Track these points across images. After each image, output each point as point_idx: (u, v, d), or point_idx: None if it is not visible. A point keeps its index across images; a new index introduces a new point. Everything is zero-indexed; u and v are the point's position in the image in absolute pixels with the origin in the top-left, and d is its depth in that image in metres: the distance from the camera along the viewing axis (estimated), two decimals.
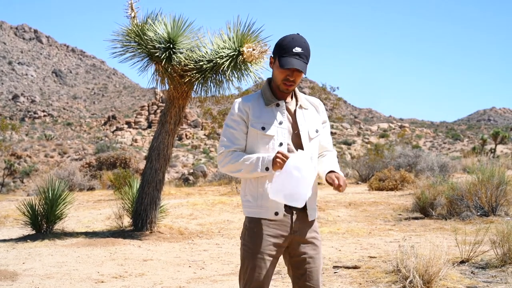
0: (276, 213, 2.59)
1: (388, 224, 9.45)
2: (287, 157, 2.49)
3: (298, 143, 2.65)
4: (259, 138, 2.63)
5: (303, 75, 2.63)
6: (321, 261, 2.71)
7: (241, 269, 2.66)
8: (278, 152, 2.52)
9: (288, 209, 2.62)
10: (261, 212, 2.62)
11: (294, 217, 2.63)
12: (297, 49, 2.57)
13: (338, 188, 2.55)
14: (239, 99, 2.72)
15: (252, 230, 2.63)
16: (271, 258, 2.60)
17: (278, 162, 2.50)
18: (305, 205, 2.61)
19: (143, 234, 8.44)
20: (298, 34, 2.65)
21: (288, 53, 2.57)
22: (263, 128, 2.62)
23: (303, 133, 2.66)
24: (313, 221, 2.69)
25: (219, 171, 23.62)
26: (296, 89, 2.74)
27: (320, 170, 2.71)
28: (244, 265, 2.63)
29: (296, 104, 2.71)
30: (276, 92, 2.71)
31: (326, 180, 2.63)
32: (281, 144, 2.61)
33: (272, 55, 2.69)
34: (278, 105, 2.67)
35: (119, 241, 8.02)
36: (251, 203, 2.64)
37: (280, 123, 2.64)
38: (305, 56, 2.58)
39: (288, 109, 2.69)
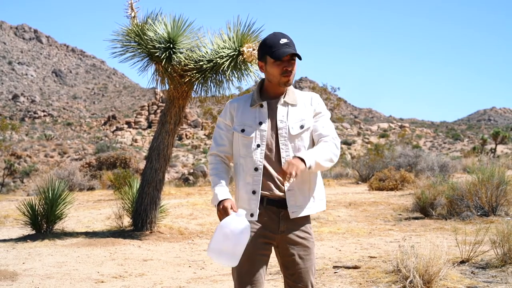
0: (252, 215, 2.61)
1: (388, 224, 9.45)
2: (227, 214, 2.50)
3: (276, 142, 2.63)
4: (241, 140, 2.65)
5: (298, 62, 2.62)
6: (312, 263, 2.70)
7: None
8: (222, 207, 2.53)
9: (275, 208, 2.62)
10: None
11: (281, 217, 2.63)
12: (284, 40, 2.60)
13: (283, 177, 2.43)
14: (229, 101, 2.75)
15: None
16: (256, 256, 2.62)
17: (218, 215, 2.57)
18: (286, 204, 2.60)
19: (143, 234, 8.44)
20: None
21: (277, 46, 2.58)
22: (243, 131, 2.64)
23: (283, 131, 2.62)
24: (303, 222, 2.68)
25: None
26: (290, 87, 2.69)
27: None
28: None
29: (281, 101, 2.67)
30: (267, 92, 2.69)
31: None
32: (258, 146, 2.60)
33: (260, 60, 2.67)
34: (262, 105, 2.66)
35: (119, 241, 8.02)
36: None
37: (260, 123, 2.63)
38: (293, 45, 2.60)
39: (272, 108, 2.66)
